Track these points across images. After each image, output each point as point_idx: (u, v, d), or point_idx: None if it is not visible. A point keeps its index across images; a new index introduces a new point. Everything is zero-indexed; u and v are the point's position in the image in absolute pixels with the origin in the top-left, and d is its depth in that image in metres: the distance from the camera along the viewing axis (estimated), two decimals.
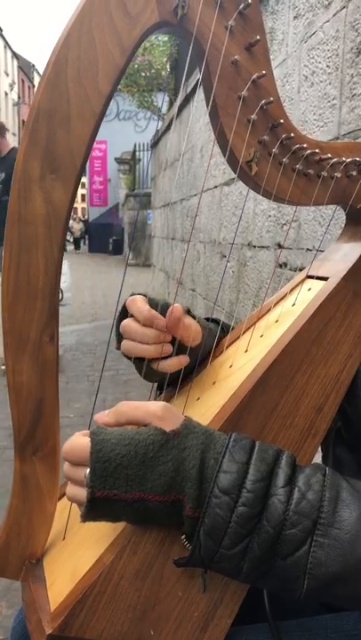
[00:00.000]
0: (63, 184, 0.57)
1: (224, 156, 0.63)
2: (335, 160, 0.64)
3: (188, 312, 0.71)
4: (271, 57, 2.32)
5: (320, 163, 0.64)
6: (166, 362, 0.68)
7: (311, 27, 1.87)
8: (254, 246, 2.50)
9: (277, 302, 0.76)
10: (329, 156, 0.64)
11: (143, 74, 6.10)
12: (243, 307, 2.66)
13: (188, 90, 4.33)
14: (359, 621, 0.65)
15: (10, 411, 0.61)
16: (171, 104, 6.40)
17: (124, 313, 0.70)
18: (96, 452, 0.51)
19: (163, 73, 5.86)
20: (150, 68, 5.82)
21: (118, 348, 0.70)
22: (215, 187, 3.31)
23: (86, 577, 0.55)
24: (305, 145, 0.63)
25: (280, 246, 2.14)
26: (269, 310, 0.76)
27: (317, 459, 0.69)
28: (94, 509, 0.52)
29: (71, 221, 23.02)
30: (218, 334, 0.77)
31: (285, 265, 2.10)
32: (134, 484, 0.52)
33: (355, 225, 0.71)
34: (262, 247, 2.36)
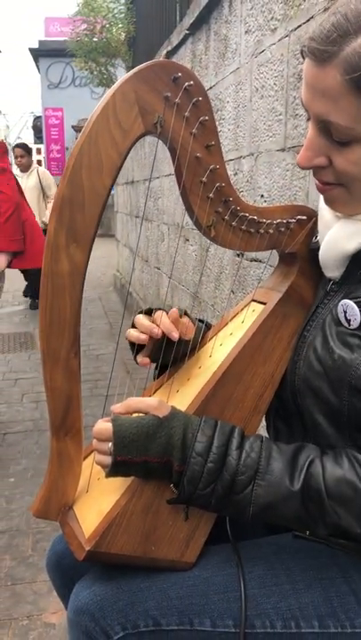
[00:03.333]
0: (81, 250, 0.83)
1: (192, 221, 0.90)
2: (269, 221, 0.92)
3: (186, 313, 1.00)
4: (226, 63, 2.55)
5: (258, 223, 0.92)
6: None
7: (260, 45, 2.11)
8: None
9: (232, 317, 1.04)
10: (264, 220, 0.91)
11: (101, 50, 6.21)
12: (205, 289, 2.94)
13: None
14: (290, 538, 0.95)
15: (47, 406, 0.88)
16: None
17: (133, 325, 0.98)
18: (117, 432, 0.80)
19: (121, 50, 5.99)
20: (109, 46, 5.94)
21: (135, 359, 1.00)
22: None
23: (109, 514, 0.84)
24: (247, 214, 0.90)
25: None
26: (227, 323, 1.04)
27: (263, 430, 0.98)
28: (116, 469, 0.81)
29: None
30: (203, 331, 1.04)
31: (242, 255, 2.38)
32: (141, 452, 0.80)
33: (285, 264, 0.99)
34: None
